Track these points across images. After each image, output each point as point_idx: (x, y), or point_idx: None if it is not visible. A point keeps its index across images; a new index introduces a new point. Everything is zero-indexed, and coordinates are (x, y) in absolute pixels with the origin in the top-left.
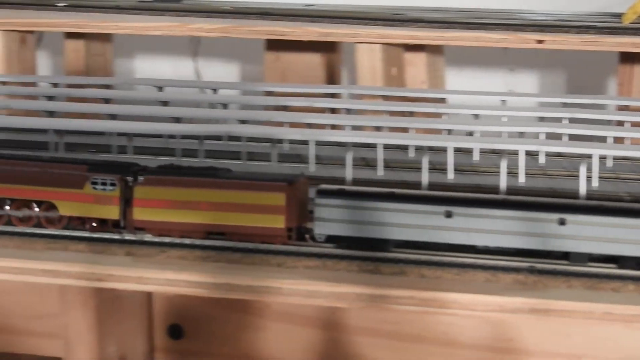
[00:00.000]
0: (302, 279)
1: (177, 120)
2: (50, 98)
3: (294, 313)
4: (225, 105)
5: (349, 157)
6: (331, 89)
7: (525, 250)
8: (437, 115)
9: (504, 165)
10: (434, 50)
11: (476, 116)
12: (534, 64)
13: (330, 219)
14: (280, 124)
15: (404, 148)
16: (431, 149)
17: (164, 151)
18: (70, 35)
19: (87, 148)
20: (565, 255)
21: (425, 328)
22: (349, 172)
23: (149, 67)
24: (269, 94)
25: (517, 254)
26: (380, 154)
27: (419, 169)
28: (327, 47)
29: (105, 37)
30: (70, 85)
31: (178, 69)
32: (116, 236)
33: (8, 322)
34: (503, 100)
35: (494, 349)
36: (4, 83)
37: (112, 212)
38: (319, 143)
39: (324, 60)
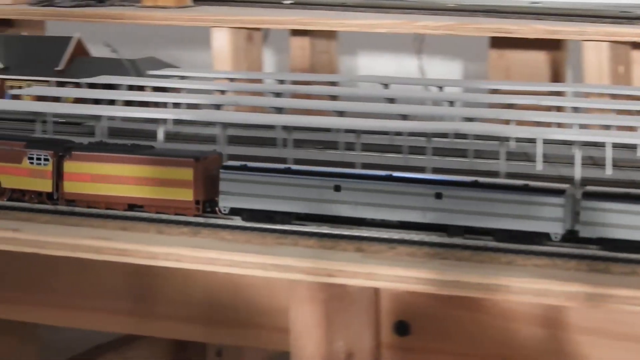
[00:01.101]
0: (531, 278)
1: (404, 117)
2: (277, 95)
3: (520, 311)
4: (451, 103)
5: (578, 156)
6: (557, 87)
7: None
8: None
9: None
10: None
11: None
12: None
13: (233, 192)
14: (506, 121)
15: (633, 147)
16: None
17: (389, 148)
18: (296, 33)
19: (315, 145)
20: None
21: None
22: (577, 171)
23: (373, 65)
24: (494, 91)
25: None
26: (609, 153)
27: None
28: (552, 45)
29: (330, 35)
30: (295, 82)
31: (401, 66)
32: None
33: (238, 316)
34: None
35: None
36: (231, 80)
37: (46, 185)
38: (545, 141)
39: (549, 58)
